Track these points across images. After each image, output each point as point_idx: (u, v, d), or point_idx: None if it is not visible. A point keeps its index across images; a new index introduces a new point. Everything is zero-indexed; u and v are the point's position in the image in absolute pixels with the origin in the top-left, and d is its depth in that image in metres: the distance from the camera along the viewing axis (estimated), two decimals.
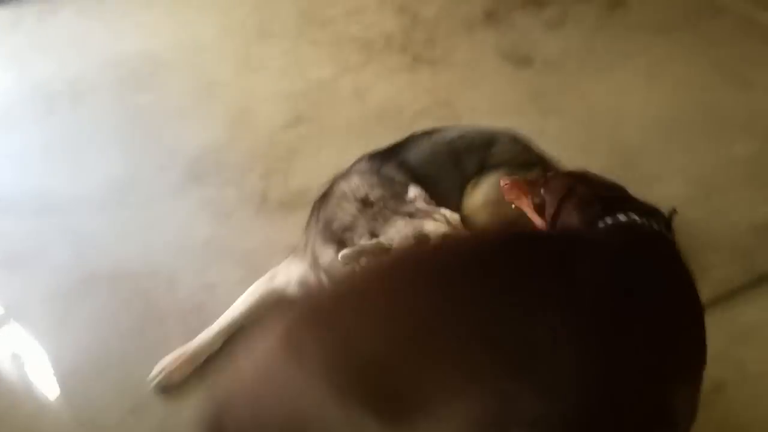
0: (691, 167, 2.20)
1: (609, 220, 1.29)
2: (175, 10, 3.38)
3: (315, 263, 1.74)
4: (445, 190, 1.76)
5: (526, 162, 1.83)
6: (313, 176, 2.31)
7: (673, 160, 2.23)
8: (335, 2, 3.32)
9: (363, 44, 3.00)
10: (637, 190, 2.10)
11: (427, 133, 1.92)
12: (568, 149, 2.14)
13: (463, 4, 3.19)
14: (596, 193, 1.38)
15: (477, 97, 2.59)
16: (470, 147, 1.84)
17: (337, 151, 2.41)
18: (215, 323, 1.83)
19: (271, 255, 2.03)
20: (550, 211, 1.41)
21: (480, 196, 1.80)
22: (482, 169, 1.79)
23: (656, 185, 2.13)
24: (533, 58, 2.79)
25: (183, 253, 2.10)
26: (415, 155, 1.84)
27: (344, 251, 1.53)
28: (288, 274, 1.84)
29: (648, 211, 1.34)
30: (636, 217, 1.29)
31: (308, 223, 1.85)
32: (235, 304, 1.86)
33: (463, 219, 1.71)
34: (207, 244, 2.11)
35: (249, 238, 2.13)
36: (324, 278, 1.69)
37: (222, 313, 1.86)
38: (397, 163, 1.81)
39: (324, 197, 1.83)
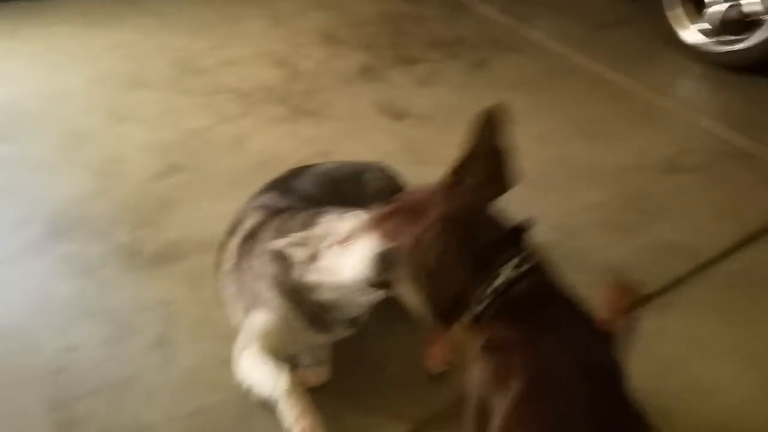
0: (550, 215, 2.35)
1: (508, 272, 1.16)
2: (40, 57, 3.24)
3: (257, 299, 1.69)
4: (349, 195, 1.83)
5: (397, 189, 1.93)
6: (188, 227, 2.26)
7: (536, 208, 2.35)
8: (210, 53, 3.32)
9: (240, 95, 3.01)
10: None
11: (306, 167, 1.97)
12: None
13: (340, 60, 3.30)
14: (470, 232, 1.20)
15: (355, 147, 2.65)
16: (347, 176, 1.93)
17: (214, 201, 2.37)
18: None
19: (139, 312, 1.94)
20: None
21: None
22: (359, 196, 1.86)
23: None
24: (407, 111, 2.91)
25: (43, 313, 1.96)
26: (302, 185, 1.90)
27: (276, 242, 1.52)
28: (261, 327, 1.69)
29: (513, 236, 1.23)
30: (524, 258, 1.18)
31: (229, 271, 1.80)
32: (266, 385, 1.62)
33: None
34: (69, 303, 1.98)
35: (115, 295, 2.02)
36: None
37: (86, 378, 1.75)
38: (290, 193, 1.86)
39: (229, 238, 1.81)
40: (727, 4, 3.12)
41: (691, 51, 3.29)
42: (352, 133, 2.76)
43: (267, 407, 1.60)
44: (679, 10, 3.31)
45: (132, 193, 2.42)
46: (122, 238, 2.22)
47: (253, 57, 3.31)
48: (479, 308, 1.16)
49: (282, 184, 1.92)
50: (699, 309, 2.03)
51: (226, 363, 1.71)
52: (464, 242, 1.19)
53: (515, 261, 1.17)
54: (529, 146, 2.68)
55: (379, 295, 1.57)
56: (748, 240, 2.26)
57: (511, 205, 2.33)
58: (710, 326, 1.97)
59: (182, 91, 3.05)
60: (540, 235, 2.21)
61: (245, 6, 3.80)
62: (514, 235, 1.23)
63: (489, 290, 1.15)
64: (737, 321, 1.98)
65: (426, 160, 2.60)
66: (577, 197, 2.44)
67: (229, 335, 1.73)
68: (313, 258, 1.57)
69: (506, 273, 1.16)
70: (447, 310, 1.21)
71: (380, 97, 3.00)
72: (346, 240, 1.54)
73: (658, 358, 1.87)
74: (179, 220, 2.31)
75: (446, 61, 3.29)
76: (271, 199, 1.85)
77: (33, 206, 2.33)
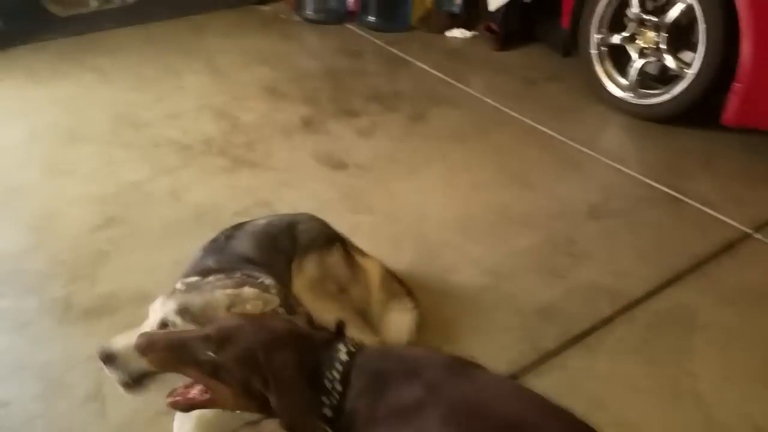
0: (484, 259, 2.44)
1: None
2: None
3: None
4: (278, 272, 1.84)
5: (330, 236, 2.01)
6: (122, 280, 2.25)
7: (468, 253, 2.46)
8: (151, 107, 3.36)
9: (180, 147, 3.04)
10: (438, 280, 2.32)
11: (238, 227, 1.98)
12: (378, 244, 2.31)
13: (281, 112, 3.38)
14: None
15: (295, 197, 2.70)
16: (281, 230, 1.97)
17: (151, 253, 2.38)
18: None
19: (71, 366, 1.92)
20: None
21: (305, 279, 1.92)
22: (295, 248, 1.92)
23: (454, 275, 2.34)
24: (347, 162, 2.99)
25: None
26: (243, 246, 1.89)
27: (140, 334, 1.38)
28: None
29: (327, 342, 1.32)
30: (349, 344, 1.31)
31: None
32: None
33: (295, 298, 1.83)
34: (0, 359, 1.94)
35: (48, 350, 1.99)
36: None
37: None
38: (231, 256, 1.85)
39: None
40: (648, 60, 3.35)
41: (616, 104, 3.49)
42: (292, 182, 2.81)
43: None
44: (607, 65, 3.53)
45: (67, 247, 2.41)
46: (56, 293, 2.20)
47: (194, 110, 3.35)
48: (333, 399, 1.25)
49: (217, 246, 1.90)
50: (624, 348, 2.12)
51: (159, 414, 1.69)
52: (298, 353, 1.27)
53: (344, 349, 1.29)
54: (463, 193, 2.83)
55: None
56: (671, 281, 2.39)
57: (446, 250, 2.44)
58: (635, 364, 2.06)
59: (122, 144, 3.06)
60: (473, 279, 2.32)
61: (188, 60, 3.86)
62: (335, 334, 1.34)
63: (334, 379, 1.25)
64: (661, 359, 2.08)
65: (362, 209, 2.67)
66: (508, 242, 2.54)
67: (161, 387, 1.72)
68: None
69: (341, 359, 1.27)
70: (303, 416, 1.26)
71: (320, 149, 3.07)
72: None
73: (585, 397, 1.94)
74: (113, 272, 2.30)
75: (386, 114, 3.41)
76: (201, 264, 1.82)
77: None
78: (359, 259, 2.06)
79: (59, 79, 3.58)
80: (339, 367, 1.26)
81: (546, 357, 2.07)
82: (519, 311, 2.23)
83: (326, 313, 1.84)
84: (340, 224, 2.17)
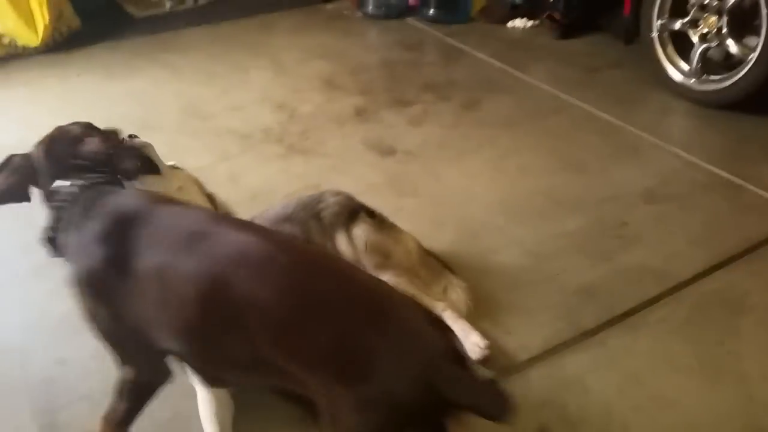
0: (527, 240, 2.43)
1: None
2: (57, 105, 3.47)
3: None
4: (316, 232, 2.04)
5: (353, 208, 2.11)
6: None
7: (512, 234, 2.46)
8: (216, 99, 3.53)
9: (240, 136, 3.19)
10: (479, 259, 2.34)
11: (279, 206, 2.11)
12: (420, 225, 2.35)
13: (337, 103, 3.48)
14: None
15: (344, 180, 2.77)
16: (311, 202, 2.11)
17: None
18: None
19: None
20: None
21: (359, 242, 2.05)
22: (320, 216, 2.06)
23: (495, 255, 2.35)
24: (396, 148, 3.05)
25: (38, 330, 2.10)
26: (285, 210, 2.09)
27: None
28: None
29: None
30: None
31: None
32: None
33: None
34: (63, 320, 2.10)
35: None
36: None
37: (72, 388, 1.88)
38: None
39: None
40: (711, 45, 3.24)
41: (678, 90, 3.39)
42: (341, 168, 2.90)
43: None
44: (669, 51, 3.43)
45: None
46: None
47: (256, 102, 3.51)
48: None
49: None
50: (668, 327, 2.07)
51: None
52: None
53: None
54: (510, 177, 2.83)
55: None
56: (722, 263, 2.31)
57: (489, 231, 2.45)
58: (677, 344, 2.01)
59: (188, 133, 3.24)
60: (514, 259, 2.32)
61: (253, 57, 4.04)
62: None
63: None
64: (705, 338, 2.02)
65: (407, 192, 2.72)
66: (553, 224, 2.52)
67: None
68: None
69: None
70: None
71: (371, 136, 3.15)
72: None
73: (623, 373, 1.92)
74: None
75: (438, 103, 3.45)
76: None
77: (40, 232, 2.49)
78: (392, 229, 2.12)
79: (133, 74, 3.82)
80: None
81: (585, 335, 2.05)
82: (560, 290, 2.21)
83: None
84: (384, 207, 2.23)
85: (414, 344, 1.17)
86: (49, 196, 1.48)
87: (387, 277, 1.96)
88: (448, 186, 2.78)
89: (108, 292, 1.35)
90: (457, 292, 2.10)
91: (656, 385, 1.87)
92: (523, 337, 2.04)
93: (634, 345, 2.01)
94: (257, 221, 2.04)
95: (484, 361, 1.90)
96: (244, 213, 2.17)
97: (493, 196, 2.69)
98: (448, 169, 2.89)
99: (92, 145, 1.51)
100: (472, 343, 1.92)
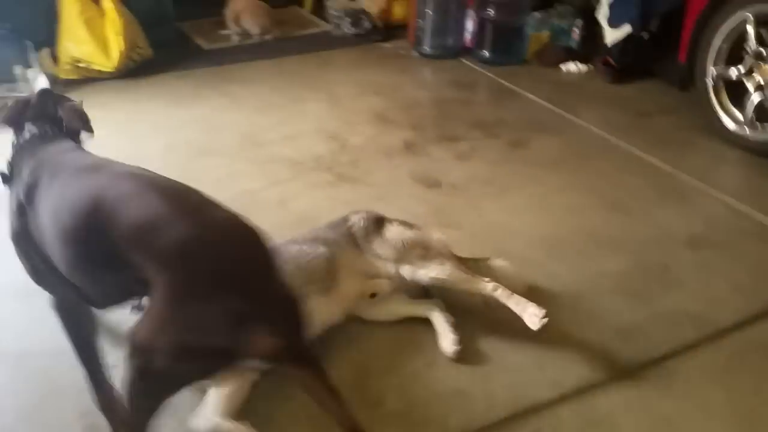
0: (566, 278, 2.44)
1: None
2: (126, 127, 3.70)
3: None
4: (350, 248, 2.25)
5: (377, 217, 2.33)
6: None
7: (552, 271, 2.48)
8: (273, 128, 3.69)
9: (293, 163, 3.32)
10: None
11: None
12: (462, 255, 2.39)
13: (387, 136, 3.58)
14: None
15: (388, 209, 2.81)
16: (339, 223, 2.34)
17: None
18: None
19: None
20: None
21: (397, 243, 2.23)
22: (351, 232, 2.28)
23: (534, 291, 2.37)
24: (441, 181, 3.12)
25: None
26: (313, 232, 2.30)
27: None
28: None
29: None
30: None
31: None
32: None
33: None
34: (113, 327, 2.23)
35: None
36: None
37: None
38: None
39: None
40: (766, 95, 3.21)
41: (731, 138, 3.36)
42: (386, 197, 2.98)
43: None
44: (723, 99, 3.42)
45: None
46: None
47: (310, 133, 3.64)
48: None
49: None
50: (705, 375, 2.05)
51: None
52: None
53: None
54: (554, 215, 2.86)
55: None
56: (763, 313, 2.27)
57: (528, 266, 2.48)
58: (713, 391, 1.98)
59: (244, 159, 3.39)
60: (552, 296, 2.34)
61: (311, 90, 4.20)
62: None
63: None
64: (741, 387, 1.99)
65: (450, 223, 2.77)
66: (595, 264, 2.53)
67: None
68: None
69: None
70: None
71: (418, 169, 3.23)
72: None
73: (655, 416, 1.91)
74: None
75: (486, 140, 3.51)
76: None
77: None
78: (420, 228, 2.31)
79: (198, 101, 4.03)
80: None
81: (619, 376, 2.04)
82: (597, 329, 2.21)
83: (432, 273, 2.11)
84: None
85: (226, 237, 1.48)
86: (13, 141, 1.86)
87: (434, 265, 2.13)
88: (491, 220, 2.82)
89: (23, 216, 1.70)
90: (505, 268, 2.26)
91: (688, 431, 1.84)
92: (556, 373, 2.05)
93: (668, 389, 1.99)
94: (288, 244, 2.14)
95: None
96: (288, 235, 2.27)
97: (535, 233, 2.72)
98: (493, 203, 2.94)
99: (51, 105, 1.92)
100: (530, 314, 2.01)
